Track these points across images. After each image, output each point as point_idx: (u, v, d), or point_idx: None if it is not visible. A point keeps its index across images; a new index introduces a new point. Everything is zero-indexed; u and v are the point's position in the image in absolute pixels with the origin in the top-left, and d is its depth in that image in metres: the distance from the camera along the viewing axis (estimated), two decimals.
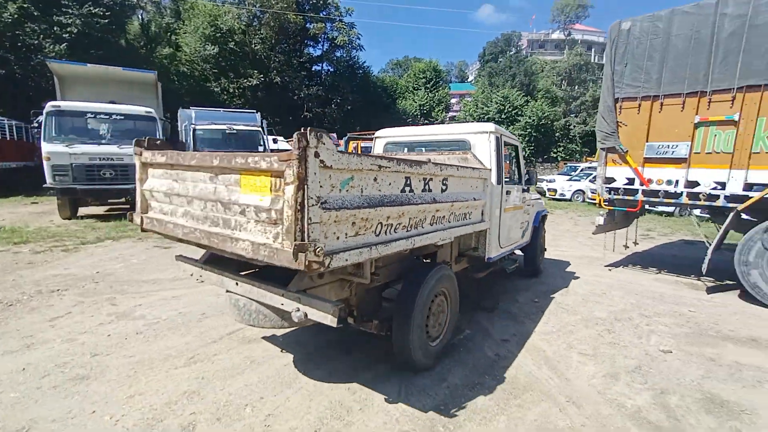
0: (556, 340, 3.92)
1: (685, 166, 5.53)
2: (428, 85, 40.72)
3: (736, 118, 5.10)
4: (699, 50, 5.36)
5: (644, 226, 11.24)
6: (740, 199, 5.10)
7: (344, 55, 36.98)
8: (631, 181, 6.06)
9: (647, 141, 5.83)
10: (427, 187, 2.84)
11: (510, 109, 37.55)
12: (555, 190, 18.60)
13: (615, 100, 6.09)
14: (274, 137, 15.76)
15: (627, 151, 5.99)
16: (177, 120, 13.27)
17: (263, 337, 3.77)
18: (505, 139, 4.67)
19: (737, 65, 5.07)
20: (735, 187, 5.15)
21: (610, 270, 6.84)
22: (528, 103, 37.50)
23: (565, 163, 29.63)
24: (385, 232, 2.50)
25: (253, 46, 28.25)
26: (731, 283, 6.01)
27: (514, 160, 5.11)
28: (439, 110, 39.94)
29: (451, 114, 44.12)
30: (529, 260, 5.99)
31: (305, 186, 1.92)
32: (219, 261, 2.98)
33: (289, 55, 30.84)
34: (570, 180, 19.00)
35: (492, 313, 4.60)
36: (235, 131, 11.56)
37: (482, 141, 4.45)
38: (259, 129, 12.20)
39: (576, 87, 38.48)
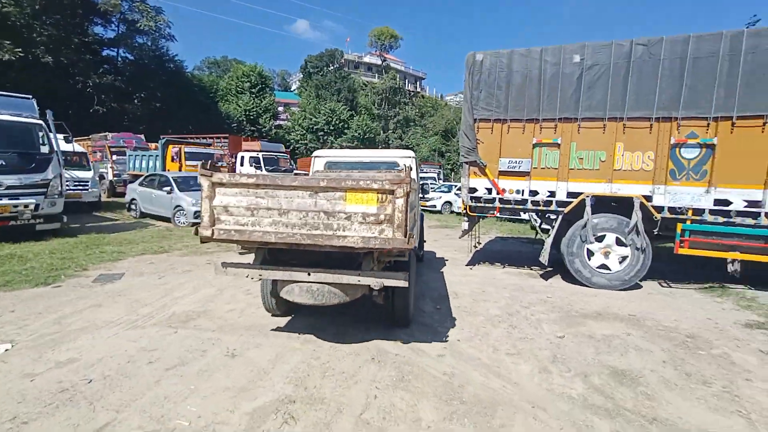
0: (481, 345, 4.08)
1: (528, 179, 6.77)
2: (253, 90, 38.52)
3: (559, 141, 6.55)
4: (532, 86, 6.65)
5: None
6: (565, 204, 6.55)
7: (149, 44, 31.23)
8: (489, 191, 7.02)
9: (500, 157, 6.88)
10: (413, 196, 3.63)
11: (337, 122, 39.29)
12: None
13: (474, 120, 6.96)
14: (66, 135, 11.71)
15: (486, 164, 6.92)
16: None
17: None
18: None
19: (557, 101, 6.52)
20: (561, 195, 6.59)
21: (471, 269, 7.75)
22: (353, 118, 40.03)
23: None
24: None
25: (1, 8, 20.52)
26: (550, 269, 7.66)
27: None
28: (266, 117, 38.28)
29: (278, 122, 42.90)
30: (417, 249, 7.20)
31: (408, 198, 3.12)
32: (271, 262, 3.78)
33: (67, 31, 23.87)
34: None
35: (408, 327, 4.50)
36: None
37: (408, 162, 6.03)
38: (40, 122, 8.83)
39: (391, 107, 43.33)
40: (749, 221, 5.77)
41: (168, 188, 12.08)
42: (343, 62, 59.14)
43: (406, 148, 42.32)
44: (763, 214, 5.71)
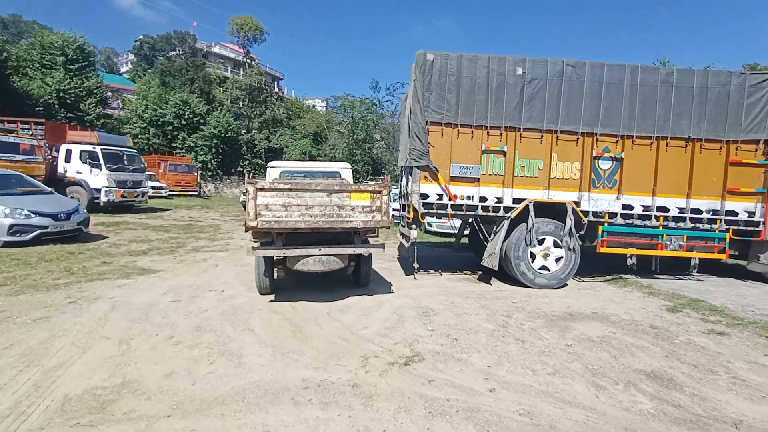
0: (516, 368, 3.67)
1: (478, 185, 6.77)
2: (71, 67, 30.12)
3: (505, 149, 6.76)
4: (480, 92, 6.69)
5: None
6: (511, 210, 6.79)
7: None
8: (440, 197, 6.76)
9: (451, 162, 6.70)
10: None
11: (191, 116, 34.17)
12: None
13: (425, 123, 6.61)
14: None
15: (439, 169, 6.64)
16: None
17: None
18: None
19: (503, 110, 6.72)
20: (508, 201, 6.81)
21: (415, 278, 7.36)
22: (211, 113, 35.42)
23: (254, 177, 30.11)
24: None
25: None
26: (482, 272, 7.89)
27: None
28: (90, 103, 30.42)
29: (108, 111, 34.67)
30: None
31: (389, 195, 5.19)
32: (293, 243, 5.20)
33: None
34: None
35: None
36: None
37: (347, 172, 7.56)
38: None
39: (256, 105, 39.94)
40: (644, 223, 7.02)
41: None
42: (193, 49, 52.03)
43: (275, 149, 39.72)
44: (653, 217, 7.01)
